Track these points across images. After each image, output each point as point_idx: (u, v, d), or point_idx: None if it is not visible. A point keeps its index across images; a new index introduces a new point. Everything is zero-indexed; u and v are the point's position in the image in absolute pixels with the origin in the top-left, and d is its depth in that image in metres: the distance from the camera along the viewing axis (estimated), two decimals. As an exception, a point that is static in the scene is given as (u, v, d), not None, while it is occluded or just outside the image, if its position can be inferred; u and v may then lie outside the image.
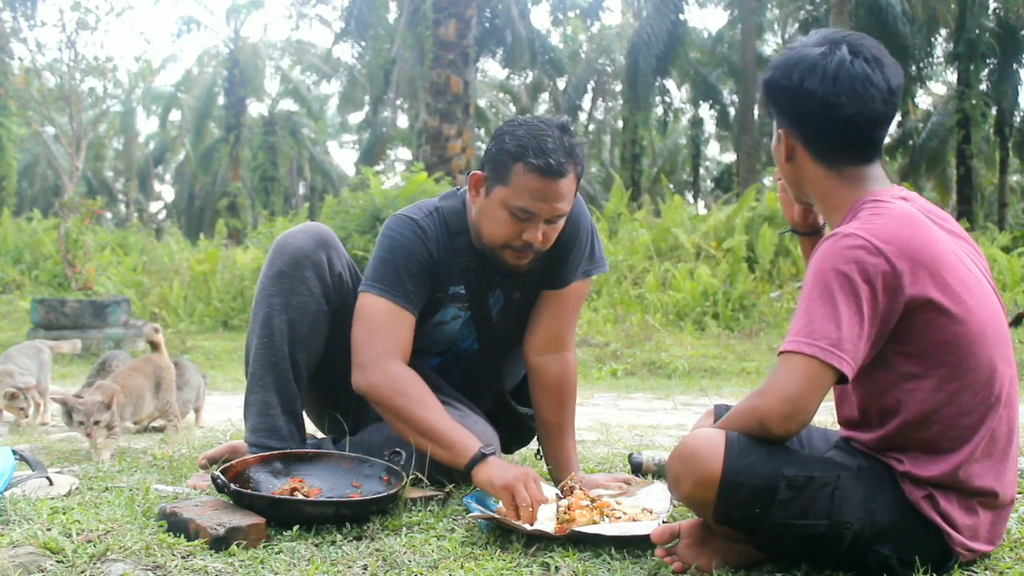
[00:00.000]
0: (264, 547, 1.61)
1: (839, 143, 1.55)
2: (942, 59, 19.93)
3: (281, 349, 2.06)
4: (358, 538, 1.70)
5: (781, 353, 1.43)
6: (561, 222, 2.04)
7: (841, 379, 1.40)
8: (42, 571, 1.45)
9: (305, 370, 2.12)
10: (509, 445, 2.36)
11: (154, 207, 35.61)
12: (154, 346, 3.06)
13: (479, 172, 2.07)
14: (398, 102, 22.97)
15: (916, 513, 1.46)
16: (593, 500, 1.86)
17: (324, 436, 2.33)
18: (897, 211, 1.48)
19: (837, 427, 1.74)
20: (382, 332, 2.03)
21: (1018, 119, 19.81)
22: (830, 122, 1.52)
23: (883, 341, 1.44)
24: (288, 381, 2.08)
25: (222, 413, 3.96)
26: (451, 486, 2.05)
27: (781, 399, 1.40)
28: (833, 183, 1.57)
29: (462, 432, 1.94)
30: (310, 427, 2.59)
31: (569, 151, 1.97)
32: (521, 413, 2.35)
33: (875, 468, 1.49)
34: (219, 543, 1.58)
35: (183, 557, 1.53)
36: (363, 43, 19.23)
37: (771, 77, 1.58)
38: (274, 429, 2.07)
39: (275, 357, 2.07)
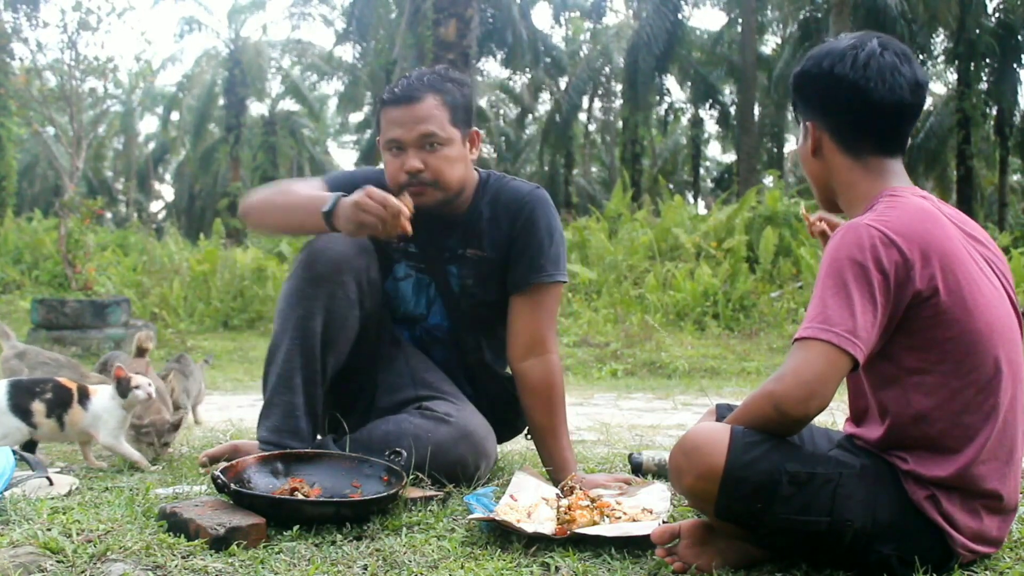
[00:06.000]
0: (264, 547, 1.61)
1: (865, 130, 1.58)
2: (942, 59, 19.93)
3: (314, 352, 2.09)
4: (358, 538, 1.70)
5: (796, 340, 1.44)
6: (443, 150, 2.12)
7: (854, 368, 1.42)
8: (42, 571, 1.45)
9: (330, 375, 2.15)
10: (500, 431, 2.35)
11: (154, 207, 35.62)
12: (143, 352, 3.06)
13: (379, 138, 2.22)
14: (398, 102, 22.92)
15: (918, 513, 1.46)
16: (593, 500, 1.86)
17: (323, 436, 2.33)
18: (912, 205, 1.50)
19: (839, 427, 1.74)
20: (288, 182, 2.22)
21: (1018, 119, 19.80)
22: (858, 107, 1.55)
23: (890, 332, 1.45)
24: (316, 384, 2.11)
25: (222, 413, 3.96)
26: (451, 486, 2.05)
27: (799, 383, 1.40)
28: (857, 174, 1.59)
29: (309, 198, 2.07)
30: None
31: (429, 82, 2.13)
32: (502, 376, 2.36)
33: (878, 467, 1.49)
34: (219, 543, 1.58)
35: (183, 557, 1.53)
36: (364, 43, 19.24)
37: (802, 68, 1.62)
38: (296, 431, 2.08)
39: (307, 359, 2.09)
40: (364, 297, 2.16)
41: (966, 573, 1.50)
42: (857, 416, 1.62)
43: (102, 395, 2.39)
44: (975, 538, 1.48)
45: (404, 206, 1.94)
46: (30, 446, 2.39)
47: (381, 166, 2.28)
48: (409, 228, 1.94)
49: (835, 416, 2.90)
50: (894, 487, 1.47)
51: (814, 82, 1.60)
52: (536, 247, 2.21)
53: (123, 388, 2.35)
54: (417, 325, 2.36)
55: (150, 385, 2.39)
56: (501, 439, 2.38)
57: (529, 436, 2.34)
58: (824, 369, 1.39)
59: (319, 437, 2.34)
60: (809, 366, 1.40)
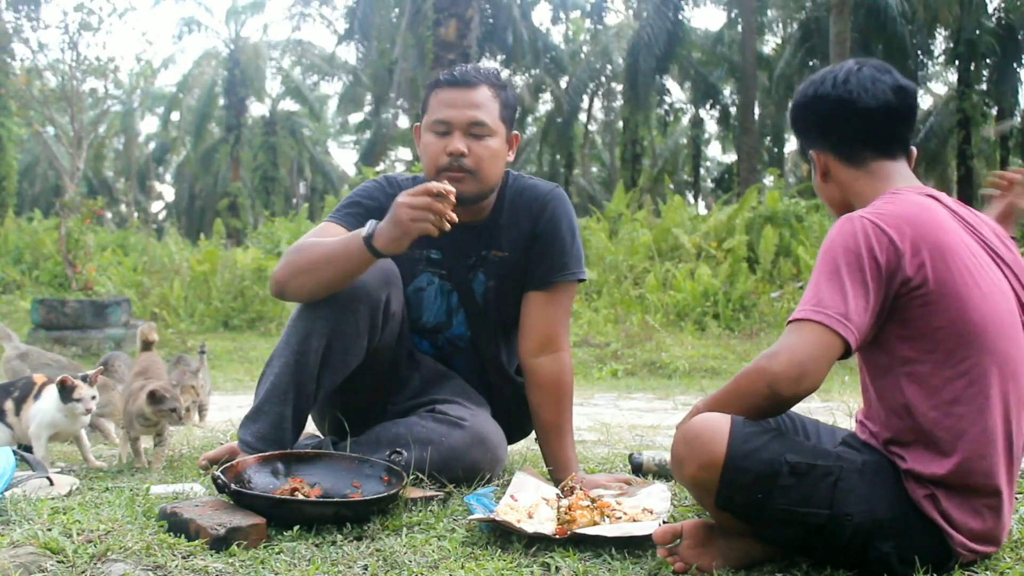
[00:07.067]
0: (264, 547, 1.61)
1: (861, 137, 1.63)
2: (942, 59, 19.93)
3: (311, 371, 2.08)
4: (358, 538, 1.70)
5: (791, 321, 1.47)
6: (488, 141, 2.11)
7: (846, 352, 1.45)
8: (43, 571, 1.45)
9: (323, 393, 2.14)
10: (510, 433, 2.36)
11: (154, 207, 35.65)
12: (149, 345, 3.04)
13: (417, 124, 2.22)
14: (399, 102, 22.98)
15: (917, 511, 1.46)
16: (594, 500, 1.86)
17: (324, 437, 2.33)
18: (908, 199, 1.54)
19: (839, 426, 1.74)
20: (302, 239, 2.12)
21: (1018, 119, 19.79)
22: (849, 118, 1.61)
23: (883, 319, 1.48)
24: (307, 400, 2.11)
25: (222, 413, 3.96)
26: (451, 486, 2.05)
27: (792, 363, 1.43)
28: (863, 182, 1.63)
29: (343, 239, 1.99)
30: (310, 426, 2.60)
31: (485, 74, 2.14)
32: (516, 379, 2.34)
33: (879, 464, 1.50)
34: (219, 543, 1.58)
35: (183, 557, 1.53)
36: (366, 44, 19.26)
37: (792, 105, 1.72)
38: (281, 443, 2.08)
39: (302, 376, 2.08)
40: (376, 330, 2.12)
41: (966, 573, 1.50)
42: (866, 407, 1.64)
43: (52, 392, 2.35)
44: (974, 538, 1.48)
45: (445, 187, 1.87)
46: (29, 447, 2.40)
47: (378, 177, 2.30)
48: (454, 216, 1.87)
49: (835, 416, 2.90)
50: (895, 484, 1.48)
51: (805, 111, 1.68)
52: (560, 246, 2.20)
53: (65, 394, 2.30)
54: (439, 335, 2.33)
55: (93, 399, 2.32)
56: (511, 441, 2.38)
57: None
58: (817, 350, 1.43)
59: (323, 437, 2.35)
60: (803, 347, 1.44)
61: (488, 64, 21.71)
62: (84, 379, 2.33)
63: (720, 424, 1.48)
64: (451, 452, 2.07)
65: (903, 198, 1.54)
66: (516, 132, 2.24)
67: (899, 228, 1.46)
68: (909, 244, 1.46)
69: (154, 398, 2.34)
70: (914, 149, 1.68)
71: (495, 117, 2.13)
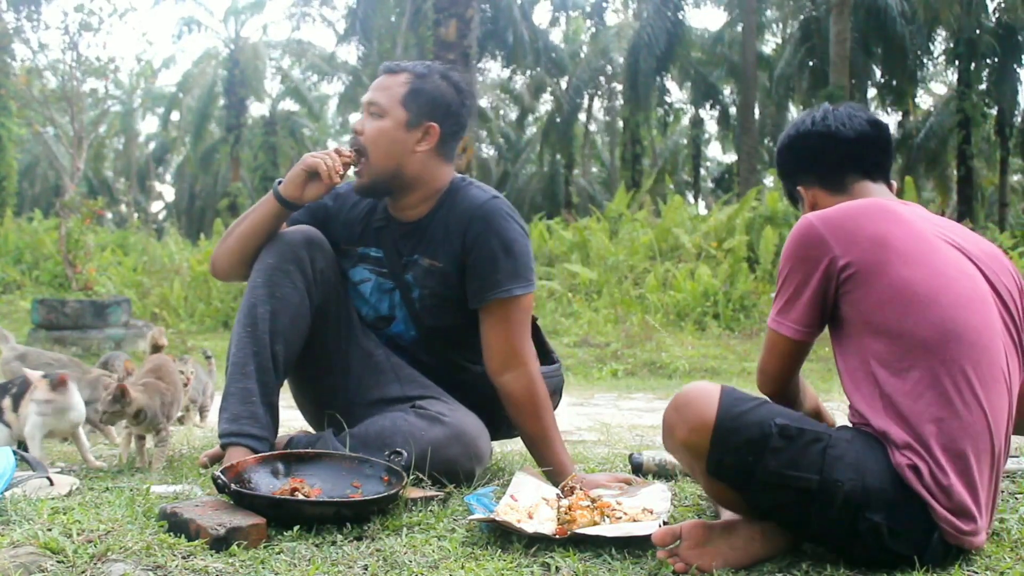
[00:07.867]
0: (264, 547, 1.61)
1: (843, 163, 1.76)
2: (942, 59, 19.93)
3: (263, 339, 2.11)
4: (358, 538, 1.70)
5: None
6: (379, 121, 2.17)
7: (798, 343, 1.63)
8: (43, 571, 1.45)
9: (283, 364, 2.15)
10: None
11: (154, 207, 35.65)
12: (159, 349, 3.04)
13: None
14: (399, 102, 22.95)
15: (903, 483, 1.48)
16: (594, 500, 1.86)
17: (320, 432, 2.33)
18: (863, 201, 1.65)
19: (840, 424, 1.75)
20: None
21: (1018, 119, 19.80)
22: (831, 148, 1.76)
23: (829, 304, 1.59)
24: (268, 371, 2.12)
25: (223, 413, 3.96)
26: (452, 486, 2.05)
27: (759, 371, 1.74)
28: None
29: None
30: (306, 425, 2.60)
31: (416, 65, 2.23)
32: (473, 369, 2.29)
33: (868, 436, 1.54)
34: (219, 543, 1.58)
35: (183, 557, 1.53)
36: (367, 44, 19.26)
37: (777, 150, 1.88)
38: (255, 416, 2.08)
39: (257, 346, 2.11)
40: (311, 286, 2.18)
41: (966, 572, 1.50)
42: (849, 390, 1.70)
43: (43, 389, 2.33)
44: (954, 512, 1.48)
45: (346, 150, 2.18)
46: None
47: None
48: (340, 169, 2.14)
49: (836, 417, 2.91)
50: (882, 454, 1.51)
51: (789, 150, 1.83)
52: (489, 262, 2.14)
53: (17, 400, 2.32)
54: (379, 332, 2.31)
55: (48, 403, 2.28)
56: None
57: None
58: (770, 355, 1.70)
59: (315, 432, 2.35)
60: (762, 356, 1.72)
61: (488, 64, 21.74)
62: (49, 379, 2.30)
63: (710, 390, 1.55)
64: (430, 447, 2.06)
65: (859, 201, 1.65)
66: (433, 123, 2.17)
67: (835, 221, 1.58)
68: (843, 235, 1.56)
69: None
70: (894, 183, 1.79)
71: (393, 99, 2.16)
